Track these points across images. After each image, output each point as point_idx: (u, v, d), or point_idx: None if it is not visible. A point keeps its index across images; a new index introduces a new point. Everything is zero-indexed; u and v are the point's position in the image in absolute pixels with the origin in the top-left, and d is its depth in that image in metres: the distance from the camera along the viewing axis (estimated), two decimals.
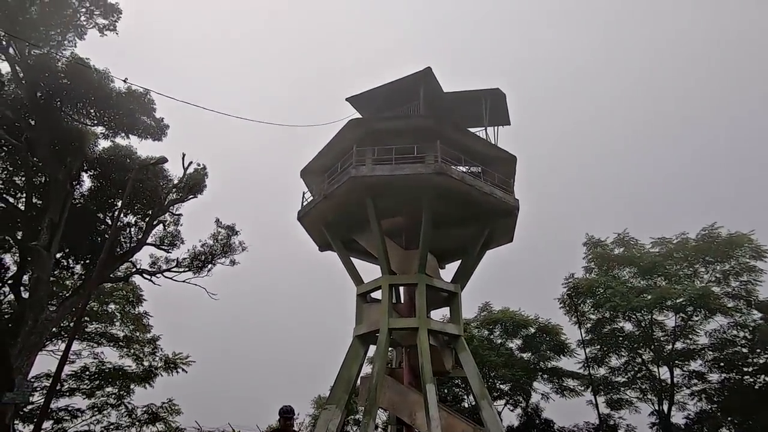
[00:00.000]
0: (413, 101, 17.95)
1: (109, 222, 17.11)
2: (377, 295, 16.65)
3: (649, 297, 21.73)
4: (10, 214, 15.96)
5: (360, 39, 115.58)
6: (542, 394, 26.24)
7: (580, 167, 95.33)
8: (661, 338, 23.21)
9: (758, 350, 21.46)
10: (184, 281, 18.42)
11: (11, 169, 15.87)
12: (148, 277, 18.36)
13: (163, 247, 18.50)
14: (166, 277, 18.41)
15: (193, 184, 18.34)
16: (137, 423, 20.22)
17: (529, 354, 26.23)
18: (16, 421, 16.89)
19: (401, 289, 18.34)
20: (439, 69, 17.64)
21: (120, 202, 15.99)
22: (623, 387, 24.50)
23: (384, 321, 15.05)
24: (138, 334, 21.23)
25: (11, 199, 16.00)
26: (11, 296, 15.94)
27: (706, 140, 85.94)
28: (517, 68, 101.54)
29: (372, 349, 17.16)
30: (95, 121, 15.86)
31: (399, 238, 17.55)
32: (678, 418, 23.54)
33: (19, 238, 16.04)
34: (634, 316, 22.92)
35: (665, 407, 22.87)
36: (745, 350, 21.84)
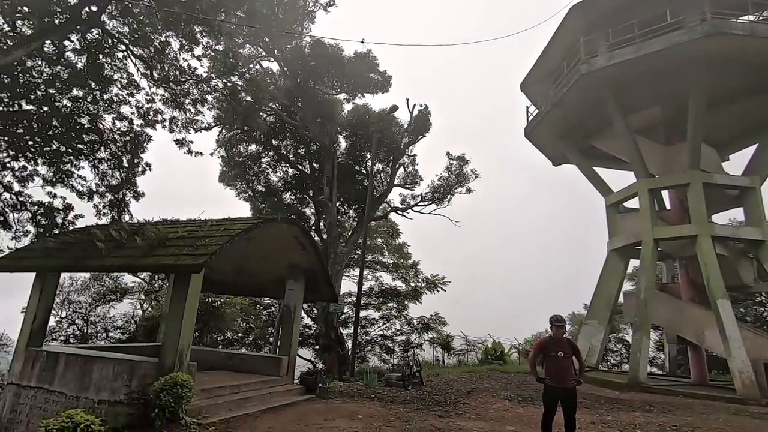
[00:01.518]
0: None
1: (365, 172, 20.54)
2: (633, 204, 14.57)
3: None
4: (302, 178, 21.19)
5: None
6: None
7: None
8: None
9: None
10: (429, 213, 20.68)
11: (295, 144, 20.84)
12: (401, 213, 21.42)
13: (407, 186, 21.05)
14: (414, 211, 21.06)
15: (420, 125, 19.78)
16: (415, 330, 24.75)
17: None
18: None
19: (665, 193, 15.45)
20: None
21: (369, 153, 18.86)
22: None
23: (647, 231, 13.15)
24: (402, 260, 25.37)
25: (300, 167, 21.14)
26: (316, 237, 21.49)
27: None
28: None
29: (633, 263, 15.41)
30: (338, 90, 18.88)
31: (655, 132, 14.55)
32: None
33: (311, 195, 21.22)
34: None
35: None
36: None
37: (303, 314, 24.14)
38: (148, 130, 10.53)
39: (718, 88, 12.24)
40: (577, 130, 15.34)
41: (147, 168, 10.54)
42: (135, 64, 9.92)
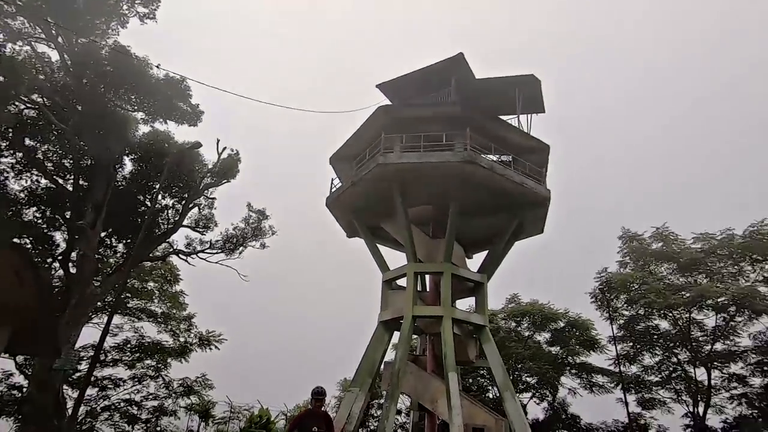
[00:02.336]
0: (444, 88, 17.66)
1: (149, 204, 17.96)
2: (403, 282, 16.73)
3: (688, 295, 20.76)
4: (59, 195, 17.02)
5: (393, 25, 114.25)
6: (570, 389, 25.79)
7: (619, 158, 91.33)
8: (700, 338, 22.20)
9: None
10: (217, 262, 19.19)
11: (61, 152, 16.87)
12: (184, 257, 19.21)
13: (198, 229, 19.28)
14: (200, 258, 19.21)
15: (227, 169, 18.91)
16: (173, 394, 21.39)
17: (558, 348, 25.75)
18: (65, 387, 18.24)
19: (427, 277, 18.35)
20: (478, 55, 17.26)
21: (158, 185, 16.72)
22: (656, 386, 23.68)
23: (408, 308, 15.13)
24: (175, 311, 22.32)
25: (60, 181, 17.03)
26: (60, 271, 17.07)
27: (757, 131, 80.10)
28: (560, 54, 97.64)
29: (397, 335, 17.32)
30: (136, 107, 16.59)
31: (426, 227, 17.51)
32: (714, 421, 22.59)
33: (67, 217, 17.11)
34: (670, 314, 22.01)
35: (701, 410, 21.97)
36: None
37: (15, 371, 18.11)
38: None
39: (470, 201, 15.74)
40: (369, 210, 17.17)
41: None
42: None
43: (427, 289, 18.19)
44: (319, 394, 5.65)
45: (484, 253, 18.37)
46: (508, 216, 16.45)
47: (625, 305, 23.45)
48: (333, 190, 18.08)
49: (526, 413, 22.46)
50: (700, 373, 22.17)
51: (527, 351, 24.43)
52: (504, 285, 25.95)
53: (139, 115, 17.10)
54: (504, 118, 16.87)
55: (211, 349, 22.41)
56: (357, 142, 17.10)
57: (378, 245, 18.18)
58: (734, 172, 79.06)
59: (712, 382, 21.85)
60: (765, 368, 21.21)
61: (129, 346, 21.24)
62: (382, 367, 16.96)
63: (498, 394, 18.06)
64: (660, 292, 21.02)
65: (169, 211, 18.80)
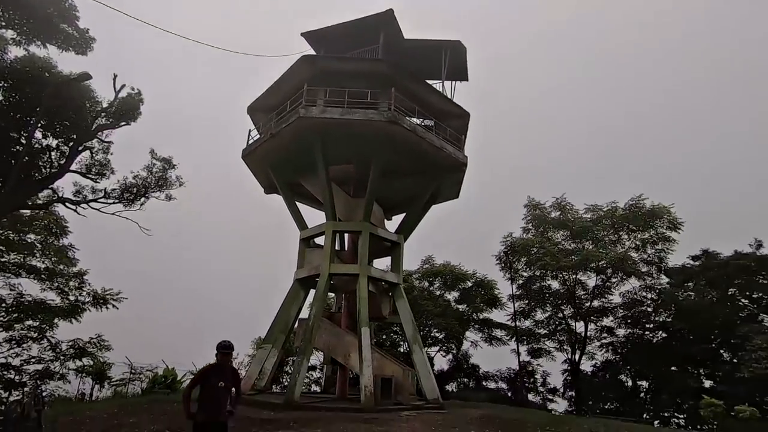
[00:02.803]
0: (373, 44, 17.13)
1: (24, 143, 15.33)
2: (321, 240, 16.59)
3: (576, 259, 23.46)
4: None
5: None
6: (472, 342, 28.26)
7: (534, 129, 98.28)
8: (582, 296, 25.42)
9: (660, 310, 24.22)
10: (113, 214, 17.22)
11: None
12: (72, 207, 16.94)
13: (90, 175, 17.00)
14: (92, 208, 17.08)
15: (126, 110, 16.70)
16: (62, 357, 19.46)
17: (465, 306, 27.83)
18: None
19: (346, 236, 18.40)
20: (411, 16, 16.82)
21: (35, 120, 14.29)
22: (544, 338, 26.91)
23: (325, 266, 15.13)
24: (62, 267, 19.91)
25: None
26: None
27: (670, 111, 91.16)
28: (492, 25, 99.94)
29: (313, 293, 17.33)
30: (3, 23, 13.67)
31: (347, 186, 17.35)
32: (586, 366, 26.49)
33: None
34: (561, 275, 24.77)
35: (577, 357, 25.53)
36: (649, 310, 24.57)
37: None
38: None
39: (391, 162, 15.81)
40: (289, 165, 16.53)
41: None
42: None
43: (345, 248, 18.29)
44: (225, 348, 5.39)
45: (403, 215, 18.83)
46: (426, 179, 16.86)
47: (525, 267, 25.91)
48: (251, 142, 17.05)
49: (433, 365, 24.22)
50: (580, 326, 25.62)
51: (438, 308, 26.05)
52: (424, 246, 27.05)
53: (9, 33, 14.14)
54: (430, 82, 16.87)
55: (107, 308, 20.54)
56: (278, 92, 16.13)
57: (297, 203, 17.72)
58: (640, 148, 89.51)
59: (588, 333, 25.39)
60: (629, 321, 25.11)
61: (4, 305, 18.68)
62: (296, 324, 16.96)
63: (408, 348, 19.12)
64: (554, 255, 23.48)
65: (53, 153, 16.25)
